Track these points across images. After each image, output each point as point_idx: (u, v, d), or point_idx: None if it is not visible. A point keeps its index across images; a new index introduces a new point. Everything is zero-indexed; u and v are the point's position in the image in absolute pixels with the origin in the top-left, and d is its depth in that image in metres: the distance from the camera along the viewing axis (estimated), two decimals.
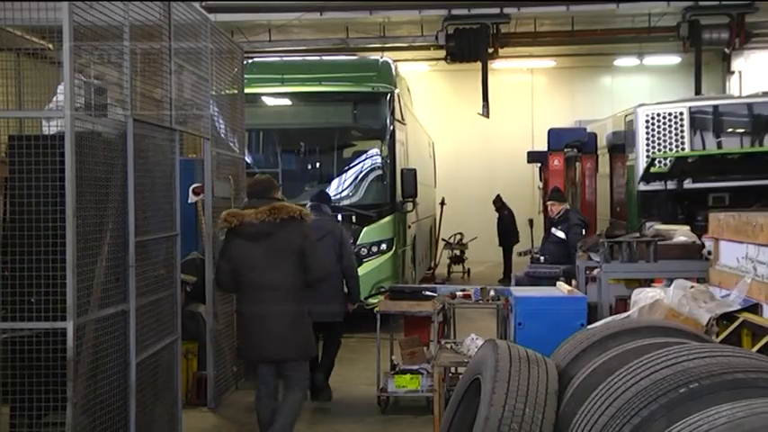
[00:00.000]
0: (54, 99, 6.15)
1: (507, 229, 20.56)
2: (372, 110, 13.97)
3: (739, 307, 5.70)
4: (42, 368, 5.71)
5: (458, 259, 21.64)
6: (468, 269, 21.84)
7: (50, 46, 6.15)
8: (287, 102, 14.37)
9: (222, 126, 10.03)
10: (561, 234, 11.08)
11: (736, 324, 5.54)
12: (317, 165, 14.02)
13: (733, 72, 24.71)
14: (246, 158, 11.41)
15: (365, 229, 13.38)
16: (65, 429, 5.70)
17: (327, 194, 10.39)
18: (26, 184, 5.72)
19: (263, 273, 6.84)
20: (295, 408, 7.04)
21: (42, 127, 6.26)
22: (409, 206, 14.56)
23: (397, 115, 14.14)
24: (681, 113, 13.17)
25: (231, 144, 10.36)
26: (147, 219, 6.90)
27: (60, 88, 5.73)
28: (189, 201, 9.73)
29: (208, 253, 9.27)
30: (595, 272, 8.68)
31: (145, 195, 6.83)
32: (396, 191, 13.73)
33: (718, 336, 5.61)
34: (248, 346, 7.03)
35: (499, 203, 20.80)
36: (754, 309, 5.65)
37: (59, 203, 5.63)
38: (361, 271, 11.26)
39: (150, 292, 7.01)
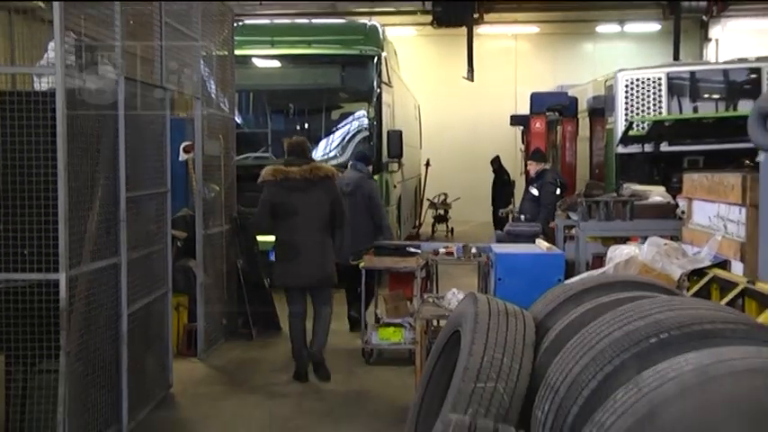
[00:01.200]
0: (45, 56, 6.08)
1: (502, 190, 20.53)
2: (360, 72, 13.90)
3: (709, 263, 5.72)
4: (36, 318, 5.69)
5: (442, 219, 21.79)
6: (452, 228, 21.92)
7: (41, 4, 6.06)
8: (276, 63, 14.30)
9: (213, 86, 9.96)
10: (535, 191, 11.15)
11: (706, 279, 5.56)
12: (306, 125, 13.95)
13: (710, 39, 24.70)
14: (236, 118, 11.38)
15: None
16: (58, 377, 5.71)
17: (366, 155, 11.01)
18: (18, 140, 5.66)
19: (301, 218, 8.11)
20: (327, 320, 8.43)
21: (34, 83, 6.18)
22: (395, 166, 14.58)
23: (384, 78, 14.09)
24: (659, 79, 13.15)
25: (221, 104, 10.29)
26: (138, 175, 6.86)
27: (51, 45, 5.66)
28: (180, 159, 9.69)
29: (198, 209, 9.26)
30: (573, 230, 8.71)
31: (136, 152, 6.78)
32: (382, 151, 13.74)
33: (688, 290, 5.64)
34: (286, 275, 8.26)
35: (497, 164, 20.76)
36: (724, 265, 5.67)
37: (51, 158, 5.59)
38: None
39: (141, 246, 7.00)
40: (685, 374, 2.80)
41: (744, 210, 5.31)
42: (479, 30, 22.13)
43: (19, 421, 5.82)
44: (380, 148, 13.72)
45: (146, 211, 7.19)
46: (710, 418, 2.67)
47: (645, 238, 6.75)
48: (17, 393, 5.84)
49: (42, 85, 5.88)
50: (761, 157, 5.16)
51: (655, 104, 13.13)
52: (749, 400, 2.67)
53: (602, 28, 25.74)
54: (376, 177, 13.68)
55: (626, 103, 13.15)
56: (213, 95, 9.98)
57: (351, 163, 10.81)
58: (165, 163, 7.61)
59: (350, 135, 13.89)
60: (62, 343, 5.67)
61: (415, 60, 24.30)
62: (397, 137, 13.75)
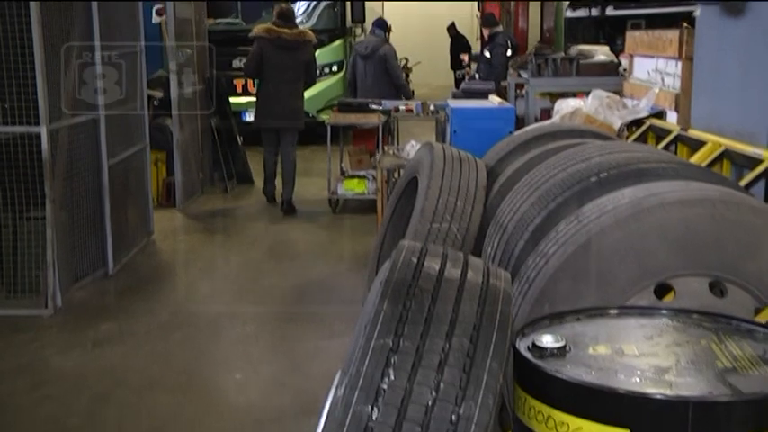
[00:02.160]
0: None
1: (459, 54, 20.21)
2: None
3: (647, 114, 5.72)
4: (21, 168, 5.60)
5: None
6: (413, 90, 21.66)
7: None
8: None
9: None
10: (488, 54, 11.03)
11: (643, 128, 5.58)
12: None
13: None
14: None
15: (318, 51, 13.13)
16: (45, 223, 5.68)
17: (384, 22, 10.93)
18: None
19: (282, 71, 8.84)
20: (293, 163, 9.09)
21: None
22: (358, 31, 14.29)
23: None
24: None
25: None
26: (111, 32, 6.63)
27: None
28: (153, 21, 9.41)
29: (172, 70, 9.04)
30: (524, 89, 8.65)
31: (108, 10, 6.55)
32: (346, 17, 13.46)
33: (627, 138, 5.65)
34: (263, 117, 9.02)
35: (453, 31, 20.36)
36: (660, 115, 5.68)
37: (25, 15, 5.37)
38: (314, 90, 11.27)
39: (118, 104, 6.86)
40: (621, 207, 2.82)
41: (680, 63, 5.27)
42: None
43: (12, 263, 5.82)
44: (344, 13, 13.49)
45: (120, 69, 7.00)
46: (643, 244, 2.71)
47: (589, 94, 6.72)
48: (8, 238, 5.82)
49: None
50: (697, 12, 5.09)
51: None
52: (678, 228, 2.70)
53: None
54: (340, 41, 13.57)
55: None
56: None
57: (370, 29, 10.98)
58: (138, 21, 7.40)
59: (315, 1, 13.61)
60: (47, 192, 5.61)
61: None
62: (360, 4, 13.43)
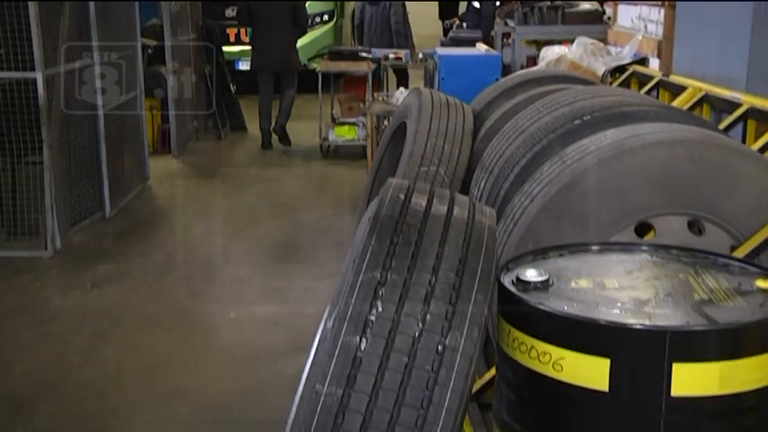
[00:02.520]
0: None
1: (448, 5, 19.89)
2: None
3: (630, 60, 5.67)
4: (18, 114, 5.53)
5: None
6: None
7: None
8: None
9: None
10: (477, 4, 10.90)
11: (626, 74, 5.53)
12: None
13: None
14: None
15: (308, 2, 12.98)
16: (43, 168, 5.63)
17: None
18: None
19: (271, 18, 9.03)
20: (291, 98, 9.32)
21: None
22: None
23: None
24: None
25: None
26: None
27: None
28: None
29: (165, 20, 8.90)
30: (511, 37, 8.57)
31: None
32: None
33: (611, 84, 5.61)
34: (260, 63, 9.26)
35: None
36: (642, 61, 5.63)
37: None
38: (306, 38, 11.16)
39: (112, 51, 6.75)
40: (604, 147, 2.80)
41: (662, 10, 5.20)
42: None
43: (12, 206, 5.78)
44: None
45: (114, 19, 6.88)
46: (624, 184, 2.69)
47: (574, 41, 6.65)
48: (7, 183, 5.77)
49: None
50: None
51: None
52: (658, 168, 2.69)
53: None
54: None
55: None
56: None
57: None
58: None
59: None
60: (44, 137, 5.55)
61: None
62: None
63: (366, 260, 1.74)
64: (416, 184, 2.07)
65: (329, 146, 9.08)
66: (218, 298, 5.14)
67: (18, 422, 3.59)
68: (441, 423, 1.63)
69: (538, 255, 2.17)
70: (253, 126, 9.95)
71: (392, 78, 10.75)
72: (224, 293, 5.19)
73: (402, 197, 1.92)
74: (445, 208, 1.92)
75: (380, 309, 1.68)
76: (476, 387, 3.43)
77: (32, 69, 5.41)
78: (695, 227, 2.73)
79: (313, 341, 2.33)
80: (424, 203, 1.92)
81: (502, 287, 1.94)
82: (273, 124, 9.41)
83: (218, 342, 4.47)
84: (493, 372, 2.93)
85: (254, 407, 3.73)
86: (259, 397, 3.81)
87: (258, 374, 4.05)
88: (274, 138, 9.43)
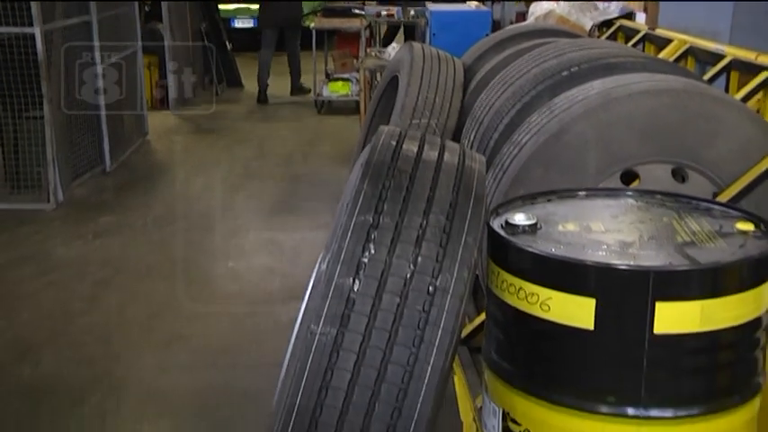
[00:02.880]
0: None
1: None
2: None
3: (617, 15, 5.60)
4: (18, 69, 5.46)
5: None
6: None
7: None
8: None
9: None
10: None
11: (613, 29, 5.47)
12: None
13: None
14: None
15: None
16: (44, 122, 5.58)
17: None
18: None
19: None
20: (298, 56, 9.53)
21: None
22: None
23: None
24: None
25: None
26: None
27: None
28: None
29: None
30: None
31: None
32: None
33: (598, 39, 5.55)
34: (267, 17, 9.32)
35: None
36: (630, 16, 5.57)
37: None
38: None
39: (109, 7, 6.65)
40: (591, 97, 2.77)
41: None
42: None
43: (14, 160, 5.74)
44: None
45: None
46: (611, 133, 2.67)
47: None
48: (9, 137, 5.72)
49: None
50: None
51: None
52: (644, 117, 2.66)
53: None
54: None
55: None
56: None
57: None
58: None
59: None
60: (44, 92, 5.48)
61: None
62: None
63: (359, 204, 1.73)
64: (407, 130, 2.05)
65: (323, 101, 9.01)
66: (216, 248, 5.13)
67: (26, 366, 3.60)
68: (432, 361, 1.63)
69: (526, 200, 2.16)
70: (249, 83, 9.87)
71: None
72: (222, 244, 5.19)
73: (394, 143, 1.90)
74: (436, 154, 1.90)
75: (373, 251, 1.67)
76: (466, 331, 3.44)
77: (30, 24, 5.32)
78: (679, 175, 2.72)
79: (307, 284, 2.33)
80: (415, 149, 1.90)
81: (491, 231, 1.93)
82: (291, 87, 9.66)
83: (216, 290, 4.48)
84: (483, 317, 2.94)
85: (251, 352, 3.74)
86: (257, 342, 3.82)
87: (256, 321, 4.06)
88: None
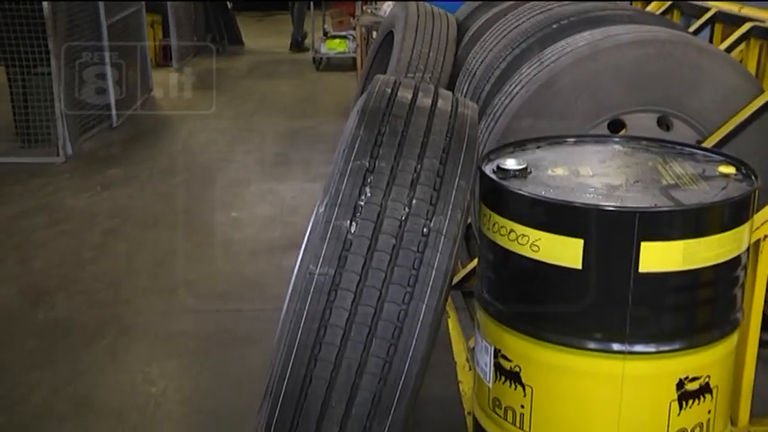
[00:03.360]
0: None
1: None
2: None
3: None
4: (25, 26, 5.37)
5: None
6: None
7: None
8: None
9: None
10: None
11: None
12: None
13: None
14: None
15: None
16: (51, 78, 5.51)
17: None
18: None
19: None
20: (303, 11, 9.33)
21: None
22: None
23: None
24: None
25: None
26: None
27: None
28: None
29: None
30: None
31: None
32: None
33: None
34: None
35: None
36: None
37: None
38: None
39: None
40: (579, 48, 2.73)
41: None
42: None
43: (24, 115, 5.68)
44: None
45: None
46: (598, 82, 2.64)
47: None
48: (18, 93, 5.65)
49: None
50: None
51: None
52: (630, 67, 2.63)
53: None
54: None
55: None
56: None
57: None
58: None
59: None
60: (50, 47, 5.40)
61: None
62: None
63: (355, 149, 1.71)
64: (402, 79, 2.01)
65: (321, 58, 8.91)
66: (220, 199, 5.10)
67: (40, 310, 3.60)
68: (426, 300, 1.63)
69: (517, 146, 2.14)
70: (249, 40, 9.75)
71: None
72: (225, 194, 5.16)
73: (389, 91, 1.87)
74: (430, 100, 1.88)
75: (369, 194, 1.65)
76: (459, 276, 3.45)
77: None
78: (664, 124, 2.69)
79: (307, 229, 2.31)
80: (409, 96, 1.87)
81: (483, 175, 1.91)
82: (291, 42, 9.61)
83: (220, 239, 4.46)
84: (475, 262, 2.93)
85: (255, 296, 3.74)
86: (260, 287, 3.82)
87: (258, 268, 4.05)
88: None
